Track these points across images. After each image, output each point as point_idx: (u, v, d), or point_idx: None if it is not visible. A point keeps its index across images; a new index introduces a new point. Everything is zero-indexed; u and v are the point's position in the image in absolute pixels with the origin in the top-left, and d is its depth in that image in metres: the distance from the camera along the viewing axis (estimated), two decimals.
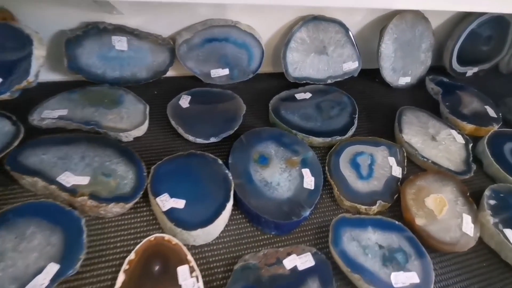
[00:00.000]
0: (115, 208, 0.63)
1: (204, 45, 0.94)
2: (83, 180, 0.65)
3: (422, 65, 1.21)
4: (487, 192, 0.80)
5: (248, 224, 0.69)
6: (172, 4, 0.86)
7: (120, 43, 0.86)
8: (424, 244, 0.69)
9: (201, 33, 0.92)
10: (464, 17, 1.20)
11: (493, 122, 1.04)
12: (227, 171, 0.71)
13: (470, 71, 1.32)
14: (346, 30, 1.05)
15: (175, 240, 0.59)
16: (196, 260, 0.62)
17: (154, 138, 0.82)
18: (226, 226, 0.68)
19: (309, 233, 0.70)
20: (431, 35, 1.17)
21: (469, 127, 1.03)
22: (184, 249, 0.58)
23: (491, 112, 1.09)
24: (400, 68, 1.16)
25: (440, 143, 0.94)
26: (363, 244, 0.65)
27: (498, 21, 1.24)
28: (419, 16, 1.12)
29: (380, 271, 0.61)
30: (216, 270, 0.61)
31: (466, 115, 1.06)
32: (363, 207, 0.74)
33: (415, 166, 0.91)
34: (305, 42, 1.03)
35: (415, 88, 1.22)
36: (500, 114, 1.09)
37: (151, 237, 0.59)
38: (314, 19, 1.01)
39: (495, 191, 0.82)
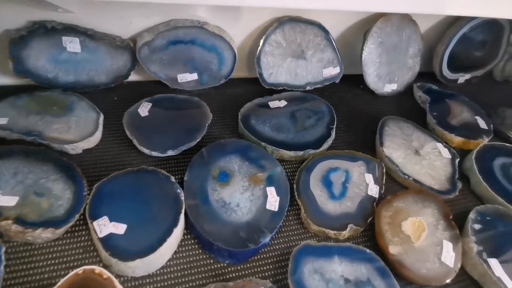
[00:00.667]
0: (44, 234, 0.55)
1: (168, 47, 0.86)
2: (11, 201, 0.57)
3: (410, 71, 1.13)
4: (472, 215, 0.73)
5: (200, 251, 0.61)
6: (130, 2, 0.79)
7: (72, 44, 0.78)
8: (398, 275, 0.62)
9: (164, 34, 0.84)
10: (455, 21, 1.12)
11: (484, 135, 0.97)
12: (179, 191, 0.64)
13: (462, 78, 1.25)
14: (326, 32, 0.97)
15: (107, 274, 0.51)
16: None
17: (106, 151, 0.75)
18: (175, 253, 0.61)
19: (269, 261, 0.62)
20: (419, 39, 1.09)
21: (457, 139, 0.95)
22: (117, 284, 0.51)
23: (482, 124, 1.01)
24: (385, 75, 1.08)
25: (424, 157, 0.86)
26: (327, 277, 0.57)
27: (492, 25, 1.16)
28: (406, 18, 1.04)
29: None
30: None
31: (454, 126, 0.98)
32: (332, 232, 0.66)
33: (396, 183, 0.83)
34: (281, 46, 0.95)
35: (402, 96, 1.14)
36: (492, 125, 1.02)
37: (79, 270, 0.51)
38: (291, 21, 0.93)
39: (481, 214, 0.74)
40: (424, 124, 1.02)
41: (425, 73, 1.22)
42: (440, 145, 0.90)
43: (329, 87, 1.07)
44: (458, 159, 0.88)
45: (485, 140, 0.96)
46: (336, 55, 1.01)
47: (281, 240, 0.67)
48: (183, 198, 0.63)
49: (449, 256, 0.64)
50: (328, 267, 0.59)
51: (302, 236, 0.68)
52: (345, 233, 0.66)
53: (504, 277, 0.63)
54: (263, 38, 0.93)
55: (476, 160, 0.87)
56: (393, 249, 0.64)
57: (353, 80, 1.12)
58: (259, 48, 0.93)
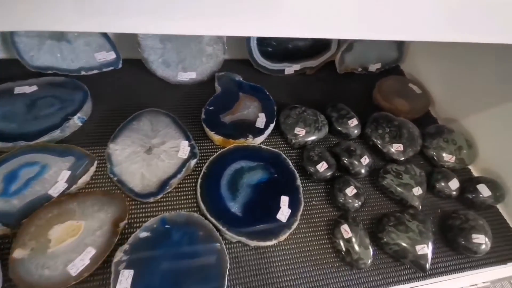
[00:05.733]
0: None
1: None
2: None
3: (212, 59, 1.05)
4: (150, 223, 0.69)
5: None
6: None
7: None
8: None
9: None
10: None
11: (250, 134, 0.90)
12: None
13: (289, 68, 1.15)
14: None
15: None
16: None
17: None
18: None
19: None
20: None
21: (217, 138, 0.89)
22: None
23: (261, 122, 0.94)
24: (176, 62, 1.00)
25: (154, 156, 0.81)
26: None
27: None
28: None
29: None
30: None
31: (222, 123, 0.91)
32: None
33: (110, 182, 0.80)
34: None
35: (205, 85, 1.07)
36: (272, 124, 0.94)
37: None
38: None
39: (164, 221, 0.71)
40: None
41: (246, 61, 1.14)
42: (184, 144, 0.84)
43: (116, 73, 1.00)
44: (195, 160, 0.83)
45: (250, 140, 0.89)
46: (106, 40, 0.94)
47: None
48: None
49: (81, 264, 0.62)
50: None
51: None
52: None
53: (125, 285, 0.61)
54: None
55: (212, 162, 0.82)
56: (18, 253, 0.62)
57: None
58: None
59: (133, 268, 0.63)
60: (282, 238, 0.73)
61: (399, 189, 0.85)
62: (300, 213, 0.76)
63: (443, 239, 0.84)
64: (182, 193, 0.80)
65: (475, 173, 1.00)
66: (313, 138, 0.93)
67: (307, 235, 0.78)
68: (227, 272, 0.66)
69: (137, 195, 0.74)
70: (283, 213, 0.75)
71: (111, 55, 0.96)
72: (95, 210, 0.70)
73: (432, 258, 0.78)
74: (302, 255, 0.75)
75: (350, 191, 0.81)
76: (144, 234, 0.68)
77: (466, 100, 1.06)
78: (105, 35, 0.93)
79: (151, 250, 0.66)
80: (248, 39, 1.03)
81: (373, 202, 0.88)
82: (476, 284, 0.83)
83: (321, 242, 0.78)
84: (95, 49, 0.94)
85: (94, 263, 0.63)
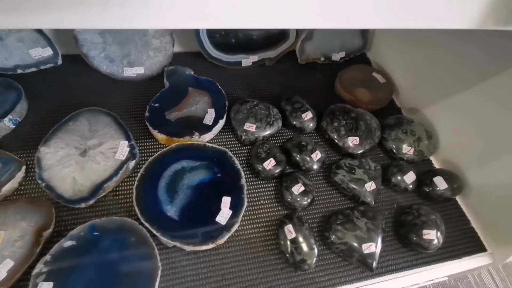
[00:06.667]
0: None
1: None
2: None
3: (160, 53, 0.99)
4: (77, 231, 0.65)
5: None
6: None
7: None
8: None
9: None
10: None
11: (197, 131, 0.85)
12: None
13: (246, 60, 1.09)
14: None
15: None
16: None
17: None
18: None
19: None
20: None
21: (160, 136, 0.84)
22: None
23: (208, 118, 0.89)
24: (120, 57, 0.95)
25: (89, 159, 0.76)
26: None
27: None
28: None
29: None
30: None
31: (167, 120, 0.87)
32: None
33: (42, 191, 0.75)
34: None
35: (156, 80, 1.02)
36: (222, 120, 0.90)
37: None
38: None
39: (93, 228, 0.66)
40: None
41: (200, 54, 1.08)
42: (124, 144, 0.80)
43: (56, 71, 0.94)
44: (134, 161, 0.78)
45: (197, 138, 0.85)
46: (40, 35, 0.87)
47: None
48: None
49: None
50: None
51: None
52: None
53: None
54: None
55: (150, 163, 0.77)
56: None
57: None
58: None
59: (53, 280, 0.59)
60: (221, 241, 0.69)
61: (351, 184, 0.81)
62: (242, 214, 0.72)
63: (397, 235, 0.81)
64: (119, 197, 0.76)
65: (436, 165, 0.97)
66: (265, 133, 0.89)
67: (251, 236, 0.75)
68: (158, 279, 0.63)
69: (66, 201, 0.70)
70: (223, 215, 0.72)
71: (47, 51, 0.90)
72: (17, 219, 0.66)
73: (382, 256, 0.76)
74: (245, 257, 0.72)
75: (297, 188, 0.77)
76: (69, 243, 0.64)
77: (428, 90, 1.01)
78: (38, 30, 0.87)
79: (75, 260, 0.62)
80: (197, 30, 0.97)
81: (325, 199, 0.84)
82: (432, 280, 0.81)
83: (266, 243, 0.74)
84: (29, 45, 0.88)
85: (12, 276, 0.59)
